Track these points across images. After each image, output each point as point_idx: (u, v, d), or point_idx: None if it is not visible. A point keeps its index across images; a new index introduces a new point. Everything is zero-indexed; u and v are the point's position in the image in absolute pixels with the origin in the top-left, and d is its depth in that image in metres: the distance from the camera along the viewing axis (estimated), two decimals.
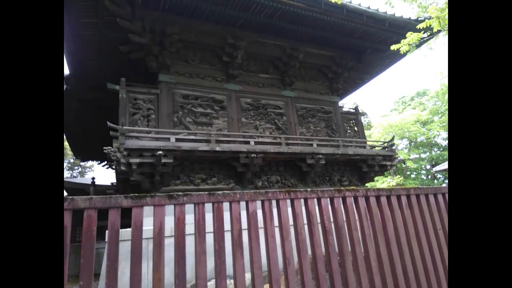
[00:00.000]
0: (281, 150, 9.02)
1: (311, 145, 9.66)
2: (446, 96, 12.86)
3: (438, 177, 34.85)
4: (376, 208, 5.88)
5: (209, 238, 4.44)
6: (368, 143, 11.68)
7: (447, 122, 32.04)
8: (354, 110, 12.27)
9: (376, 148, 11.43)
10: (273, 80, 10.93)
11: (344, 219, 5.62)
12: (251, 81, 10.42)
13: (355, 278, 5.19)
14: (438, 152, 35.28)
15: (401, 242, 5.77)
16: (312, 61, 11.20)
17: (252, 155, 8.08)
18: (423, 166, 35.59)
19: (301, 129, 10.71)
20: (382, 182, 29.60)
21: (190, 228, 4.45)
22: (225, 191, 4.93)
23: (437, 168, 28.43)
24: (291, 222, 5.23)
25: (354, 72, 12.41)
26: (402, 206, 6.13)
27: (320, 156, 9.31)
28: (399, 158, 11.33)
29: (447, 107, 13.03)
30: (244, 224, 4.85)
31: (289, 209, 5.36)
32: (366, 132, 22.50)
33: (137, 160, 6.29)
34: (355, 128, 11.85)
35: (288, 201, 5.35)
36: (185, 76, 9.29)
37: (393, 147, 11.16)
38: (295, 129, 10.58)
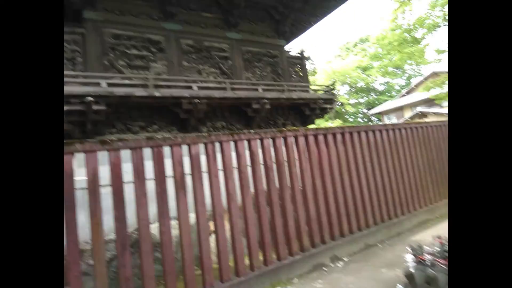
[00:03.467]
0: (226, 95, 8.83)
1: (257, 90, 9.60)
2: (385, 41, 13.44)
3: (372, 119, 38.03)
4: (314, 146, 6.29)
5: (151, 185, 4.40)
6: (311, 87, 12.00)
7: (385, 67, 34.00)
8: (300, 55, 12.25)
9: (319, 92, 11.82)
10: (217, 21, 10.23)
11: (285, 157, 5.96)
12: (192, 20, 9.63)
13: (293, 208, 5.71)
14: (374, 96, 38.00)
15: (334, 174, 6.37)
16: (257, 0, 10.59)
17: (196, 100, 7.81)
18: (360, 110, 38.32)
19: (246, 74, 10.50)
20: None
21: (129, 176, 4.33)
22: (165, 136, 4.81)
23: (373, 111, 30.87)
24: (235, 163, 5.40)
25: (301, 14, 12.14)
26: (337, 143, 6.64)
27: (266, 100, 9.36)
28: (338, 102, 11.90)
29: (385, 52, 13.69)
30: (187, 168, 4.88)
31: (233, 153, 5.50)
32: (311, 78, 23.06)
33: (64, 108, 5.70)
34: (300, 73, 11.98)
35: (232, 143, 5.44)
36: (115, 14, 8.22)
37: (333, 91, 11.66)
38: (240, 74, 10.33)
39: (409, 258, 4.80)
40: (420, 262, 3.91)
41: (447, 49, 13.03)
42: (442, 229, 6.75)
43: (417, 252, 4.08)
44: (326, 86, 12.11)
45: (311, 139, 6.25)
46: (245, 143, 5.48)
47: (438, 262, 3.86)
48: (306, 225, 5.79)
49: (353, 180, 6.62)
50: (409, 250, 5.06)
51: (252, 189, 5.39)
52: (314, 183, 6.07)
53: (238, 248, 4.85)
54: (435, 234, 5.65)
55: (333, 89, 11.48)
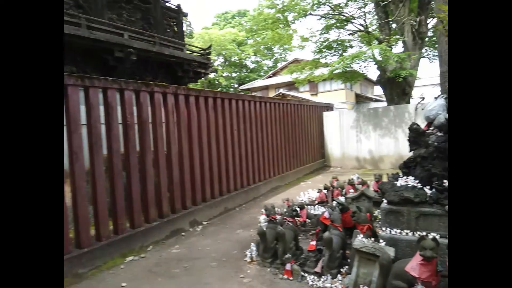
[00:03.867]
0: (79, 33, 7.12)
1: (122, 35, 8.18)
2: (261, 17, 13.94)
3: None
4: (184, 107, 5.90)
5: None
6: (187, 46, 11.28)
7: (257, 45, 35.88)
8: (176, 8, 11.15)
9: (194, 54, 11.24)
10: None
11: (150, 116, 5.32)
12: None
13: (154, 172, 5.25)
14: (246, 73, 40.05)
15: (203, 140, 6.22)
16: None
17: None
18: (232, 84, 39.74)
19: (111, 14, 8.76)
20: None
21: None
22: None
23: (243, 87, 32.57)
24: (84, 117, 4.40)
25: None
26: (208, 108, 6.47)
27: (132, 50, 8.12)
28: (213, 69, 11.67)
29: (260, 28, 14.24)
30: None
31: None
32: (187, 41, 21.90)
33: None
34: (175, 28, 10.98)
35: (81, 91, 4.39)
36: None
37: (209, 56, 11.35)
38: (102, 12, 8.51)
39: (262, 218, 5.26)
40: (271, 221, 4.28)
41: (310, 38, 14.80)
42: (290, 194, 7.77)
43: (270, 212, 4.45)
44: (202, 49, 11.63)
45: (181, 99, 5.81)
46: (100, 92, 4.54)
47: (287, 220, 4.33)
48: (168, 190, 5.46)
49: (220, 147, 6.67)
50: (263, 211, 5.54)
51: (105, 150, 4.57)
52: (180, 147, 5.74)
53: (82, 216, 4.07)
54: (284, 198, 6.41)
55: (209, 53, 11.13)
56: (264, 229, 4.09)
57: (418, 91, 18.21)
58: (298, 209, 4.88)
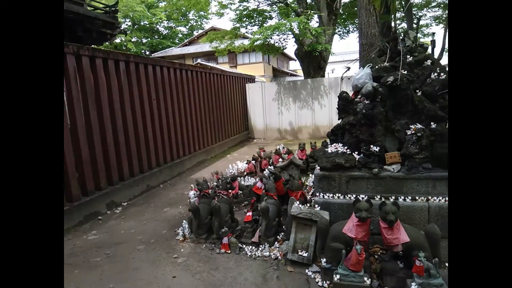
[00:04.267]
0: None
1: None
2: None
3: None
4: (90, 71, 4.99)
5: None
6: (88, 1, 9.56)
7: (170, 8, 33.26)
8: None
9: (97, 11, 9.61)
10: None
11: None
12: None
13: None
14: (158, 39, 36.92)
15: (115, 110, 5.44)
16: None
17: None
18: (143, 50, 36.26)
19: None
20: None
21: None
22: None
23: (156, 54, 30.03)
24: None
25: None
26: (120, 72, 5.64)
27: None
28: (120, 30, 10.25)
29: None
30: None
31: None
32: None
33: None
34: None
35: None
36: None
37: (116, 15, 9.87)
38: None
39: (192, 194, 5.00)
40: (204, 195, 4.07)
41: (229, 5, 14.25)
42: (217, 167, 7.61)
43: (202, 187, 4.22)
44: (107, 5, 10.05)
45: (85, 62, 4.89)
46: None
47: (221, 193, 4.18)
48: (76, 170, 4.67)
49: (137, 119, 5.97)
50: (194, 186, 5.27)
51: None
52: (88, 119, 4.90)
53: None
54: (213, 171, 6.22)
55: (116, 11, 9.68)
56: (197, 204, 3.86)
57: (330, 67, 19.69)
58: (231, 180, 4.77)
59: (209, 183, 4.94)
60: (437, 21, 17.72)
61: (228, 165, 7.06)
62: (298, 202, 3.32)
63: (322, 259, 2.84)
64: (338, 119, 3.87)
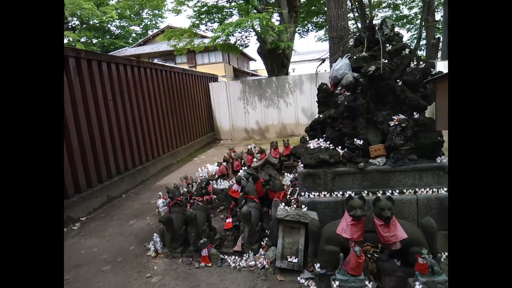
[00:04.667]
0: None
1: None
2: None
3: None
4: None
5: None
6: None
7: (122, 7, 31.45)
8: None
9: None
10: None
11: None
12: None
13: None
14: (110, 39, 34.84)
15: (65, 111, 4.80)
16: None
17: None
18: (94, 51, 34.08)
19: None
20: None
21: None
22: None
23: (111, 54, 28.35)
24: None
25: None
26: (70, 70, 5.00)
27: None
28: (69, 25, 9.33)
29: None
30: None
31: None
32: None
33: None
34: None
35: None
36: None
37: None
38: None
39: (160, 202, 4.56)
40: (176, 204, 3.69)
41: (186, 1, 13.69)
42: (184, 171, 7.16)
43: (174, 194, 3.83)
44: None
45: None
46: None
47: (196, 200, 3.82)
48: None
49: (92, 122, 5.36)
50: (163, 193, 4.82)
51: None
52: None
53: None
54: (181, 176, 5.80)
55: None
56: (169, 214, 3.47)
57: (291, 67, 19.86)
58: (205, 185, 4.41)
59: (180, 189, 4.56)
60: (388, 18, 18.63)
61: (196, 168, 6.67)
62: (283, 204, 3.08)
63: (315, 264, 2.64)
64: (318, 113, 3.72)
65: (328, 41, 4.97)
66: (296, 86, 11.00)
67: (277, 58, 11.95)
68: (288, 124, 11.24)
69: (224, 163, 6.10)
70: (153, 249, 3.42)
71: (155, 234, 3.56)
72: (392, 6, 20.74)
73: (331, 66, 4.79)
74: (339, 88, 3.34)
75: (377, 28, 3.30)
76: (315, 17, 18.67)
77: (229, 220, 3.38)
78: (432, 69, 3.10)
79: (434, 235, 2.50)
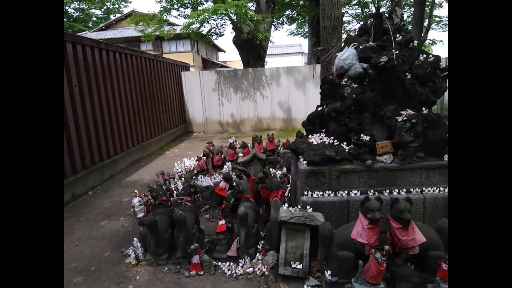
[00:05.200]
0: None
1: None
2: None
3: None
4: None
5: None
6: None
7: None
8: None
9: None
10: None
11: None
12: None
13: None
14: (68, 22, 32.26)
15: None
16: None
17: None
18: None
19: None
20: None
21: None
22: None
23: None
24: None
25: None
26: None
27: None
28: None
29: None
30: None
31: None
32: None
33: None
34: None
35: None
36: None
37: None
38: None
39: (136, 201, 4.10)
40: (161, 204, 3.29)
41: None
42: (156, 165, 6.65)
43: (157, 193, 3.42)
44: None
45: None
46: None
47: (183, 200, 3.43)
48: None
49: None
50: (136, 192, 4.35)
51: None
52: None
53: None
54: (156, 171, 5.32)
55: None
56: (152, 216, 3.07)
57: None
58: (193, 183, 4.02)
59: (159, 186, 4.13)
60: (357, 18, 18.92)
61: (169, 163, 6.21)
62: (286, 205, 2.83)
63: (326, 271, 2.42)
64: (321, 106, 3.49)
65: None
66: (273, 78, 10.78)
67: (254, 49, 11.62)
68: (264, 118, 11.00)
69: (204, 158, 5.71)
70: (134, 255, 3.00)
71: (135, 238, 3.14)
72: (361, 3, 21.18)
73: (318, 60, 4.59)
74: (345, 79, 3.12)
75: (385, 16, 3.12)
76: (289, 10, 18.52)
77: (222, 222, 3.05)
78: (440, 63, 3.00)
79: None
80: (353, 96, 2.93)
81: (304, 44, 36.17)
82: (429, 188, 2.88)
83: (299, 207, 2.78)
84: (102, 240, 3.50)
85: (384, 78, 2.95)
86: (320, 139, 3.15)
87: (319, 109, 3.59)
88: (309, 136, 3.41)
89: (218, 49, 35.08)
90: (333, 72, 3.30)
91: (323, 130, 3.42)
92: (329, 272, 2.39)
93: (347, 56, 3.06)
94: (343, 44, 3.46)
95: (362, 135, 2.93)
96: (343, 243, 2.34)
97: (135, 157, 7.14)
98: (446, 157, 2.89)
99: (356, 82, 3.06)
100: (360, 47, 3.16)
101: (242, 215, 2.89)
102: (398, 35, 3.04)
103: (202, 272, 2.78)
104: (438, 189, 2.87)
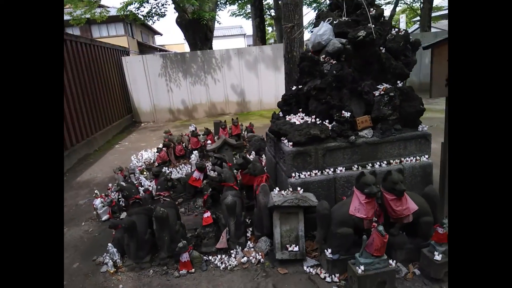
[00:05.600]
0: None
1: None
2: None
3: None
4: None
5: None
6: None
7: None
8: None
9: None
10: None
11: None
12: None
13: None
14: None
15: None
16: None
17: None
18: None
19: None
20: None
21: None
22: None
23: None
24: None
25: None
26: None
27: None
28: None
29: None
30: None
31: None
32: None
33: None
34: None
35: None
36: None
37: None
38: None
39: (98, 203, 3.69)
40: (136, 203, 2.98)
41: None
42: (108, 162, 6.06)
43: (130, 191, 3.08)
44: None
45: None
46: None
47: (161, 196, 3.14)
48: None
49: None
50: (97, 193, 3.90)
51: None
52: None
53: None
54: (114, 168, 4.85)
55: None
56: (129, 217, 2.77)
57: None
58: (154, 176, 3.72)
59: (121, 184, 3.74)
60: None
61: (121, 158, 5.72)
62: (277, 188, 2.75)
63: (325, 250, 2.42)
64: (298, 85, 3.41)
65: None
66: (223, 61, 10.46)
67: (200, 30, 11.09)
68: (217, 103, 10.70)
69: (164, 149, 5.35)
70: (110, 263, 2.69)
71: (109, 244, 2.80)
72: None
73: (289, 36, 4.50)
74: (323, 56, 3.08)
75: None
76: None
77: (207, 214, 2.87)
78: (410, 37, 3.11)
79: (437, 204, 2.55)
80: (334, 72, 2.91)
81: (245, 25, 35.77)
82: (407, 158, 3.03)
83: (291, 189, 2.72)
84: (67, 251, 3.08)
85: (361, 53, 2.98)
86: (302, 118, 3.10)
87: (293, 88, 3.53)
88: (287, 116, 3.34)
89: (155, 32, 32.98)
90: (309, 49, 3.24)
91: (300, 109, 3.37)
92: (329, 250, 2.40)
93: (324, 31, 3.01)
94: (315, 19, 3.40)
95: (343, 111, 2.95)
96: (341, 220, 2.35)
97: (81, 154, 6.41)
98: (420, 127, 3.06)
99: (334, 58, 3.04)
100: (335, 22, 3.14)
101: (230, 204, 2.74)
102: (372, 9, 3.08)
103: (193, 270, 2.60)
104: (414, 158, 3.04)
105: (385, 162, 3.00)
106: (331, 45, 2.98)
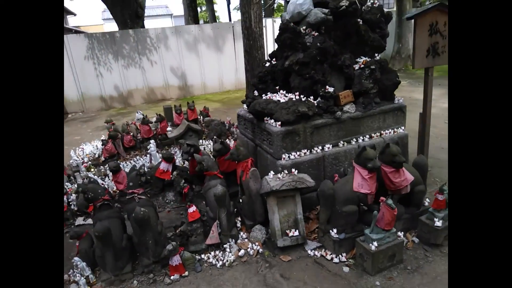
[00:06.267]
0: None
1: None
2: None
3: None
4: None
5: None
6: None
7: None
8: None
9: None
10: None
11: None
12: None
13: None
14: None
15: None
16: None
17: None
18: None
19: None
20: None
21: None
22: None
23: None
24: None
25: None
26: None
27: None
28: None
29: None
30: None
31: None
32: None
33: None
34: None
35: None
36: None
37: None
38: None
39: None
40: (104, 205, 2.50)
41: None
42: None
43: (95, 192, 2.57)
44: None
45: None
46: None
47: (136, 194, 2.68)
48: None
49: None
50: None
51: None
52: None
53: None
54: None
55: None
56: (101, 224, 2.32)
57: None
58: (111, 172, 3.21)
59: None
60: None
61: (70, 152, 4.88)
62: (272, 172, 2.56)
63: (331, 230, 2.35)
64: (272, 60, 3.20)
65: None
66: (160, 41, 9.63)
67: (129, 7, 9.98)
68: (156, 87, 9.90)
69: (111, 140, 4.71)
70: (83, 281, 2.23)
71: (75, 258, 2.33)
72: None
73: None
74: (304, 27, 2.92)
75: None
76: None
77: (193, 208, 2.55)
78: (383, 9, 3.13)
79: (426, 172, 2.66)
80: (318, 45, 2.78)
81: (171, 5, 33.66)
82: (386, 131, 3.11)
83: (286, 172, 2.57)
84: None
85: (341, 25, 2.89)
86: (285, 96, 2.93)
87: (267, 64, 3.33)
88: (264, 96, 3.14)
89: (68, 12, 28.99)
90: (285, 20, 3.03)
91: (277, 87, 3.20)
92: (334, 230, 2.34)
93: (303, 1, 2.84)
94: None
95: (327, 86, 2.87)
96: (346, 198, 2.30)
97: None
98: (396, 100, 3.15)
99: (315, 29, 2.91)
100: None
101: (220, 194, 2.48)
102: None
103: (186, 273, 2.32)
104: (393, 130, 3.14)
105: (367, 136, 3.03)
106: (313, 15, 2.83)
